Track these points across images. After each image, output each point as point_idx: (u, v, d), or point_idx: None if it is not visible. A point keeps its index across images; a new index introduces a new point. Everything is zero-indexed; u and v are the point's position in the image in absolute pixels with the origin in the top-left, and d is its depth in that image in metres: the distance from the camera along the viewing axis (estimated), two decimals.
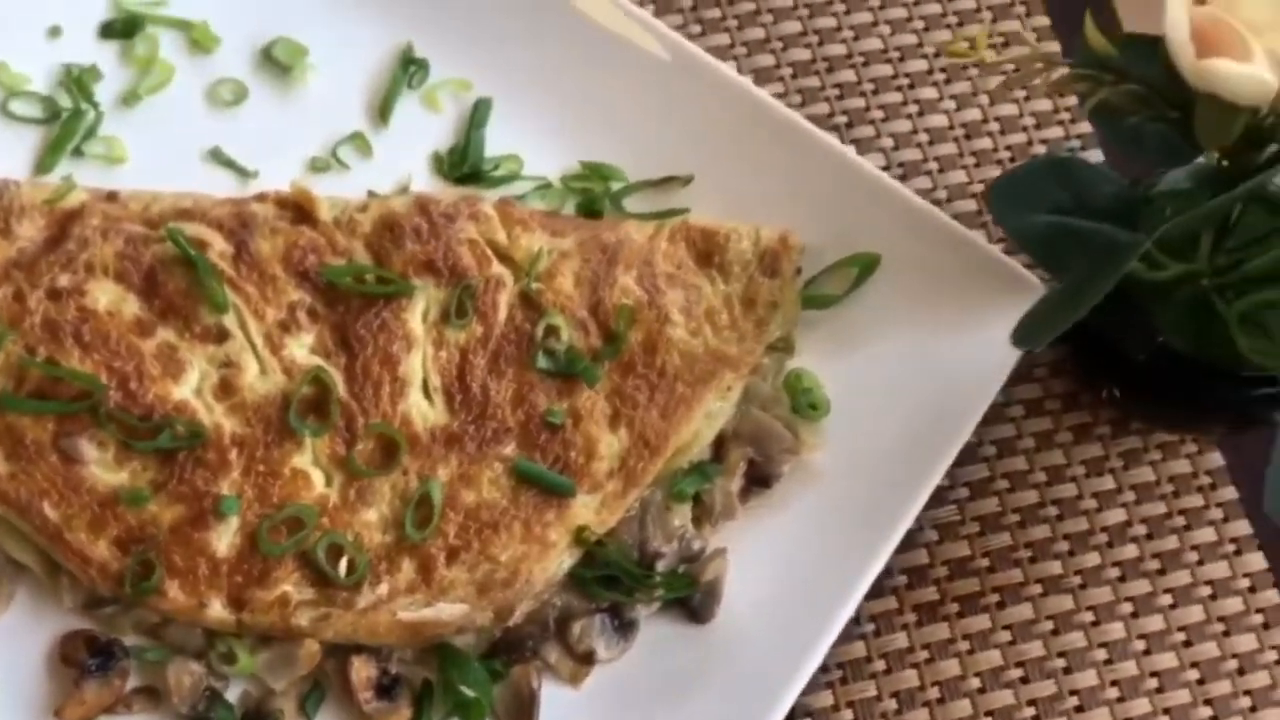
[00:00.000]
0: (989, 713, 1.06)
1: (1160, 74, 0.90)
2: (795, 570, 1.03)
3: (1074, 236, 1.00)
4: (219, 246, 1.06)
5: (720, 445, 1.07)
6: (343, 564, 0.98)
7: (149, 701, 0.98)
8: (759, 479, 1.06)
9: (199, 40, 1.18)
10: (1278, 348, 0.93)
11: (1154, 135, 0.99)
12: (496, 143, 1.17)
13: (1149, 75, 0.91)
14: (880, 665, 1.07)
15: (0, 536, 1.00)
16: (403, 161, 1.16)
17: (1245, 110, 0.86)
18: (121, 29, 1.17)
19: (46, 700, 0.97)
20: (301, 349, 1.04)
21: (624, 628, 1.02)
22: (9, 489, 0.98)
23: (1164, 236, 0.96)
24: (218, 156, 1.15)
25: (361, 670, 0.97)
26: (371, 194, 1.14)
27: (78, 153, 1.13)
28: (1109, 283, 0.89)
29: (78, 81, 1.15)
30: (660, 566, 1.02)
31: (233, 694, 0.99)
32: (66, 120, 1.14)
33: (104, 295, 1.03)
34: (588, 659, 1.01)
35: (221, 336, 1.03)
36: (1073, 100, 1.27)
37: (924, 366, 1.10)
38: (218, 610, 0.97)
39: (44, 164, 1.13)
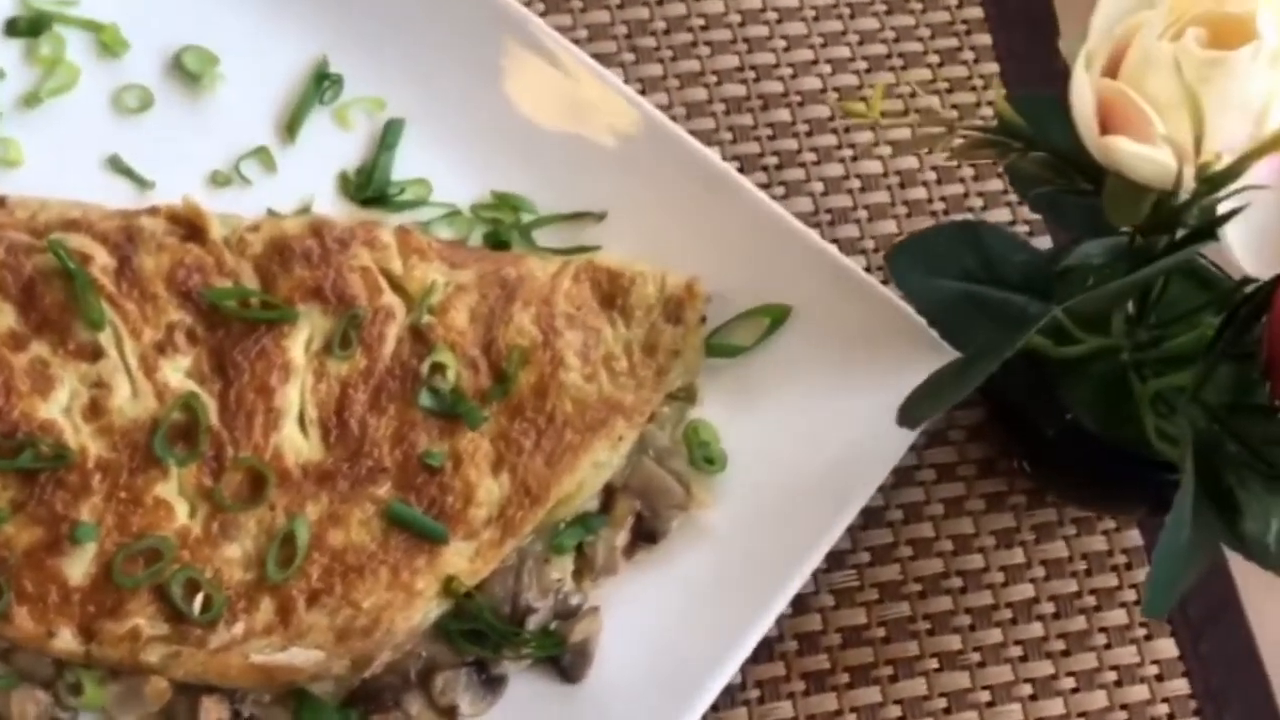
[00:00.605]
0: None
1: (1072, 143, 0.85)
2: (675, 631, 0.99)
3: (981, 306, 0.96)
4: (101, 260, 1.02)
5: (608, 497, 1.03)
6: (198, 600, 0.94)
7: None
8: (645, 534, 1.02)
9: (108, 43, 1.14)
10: (1182, 434, 0.88)
11: (1074, 206, 0.94)
12: (407, 166, 1.13)
13: (1060, 144, 0.87)
14: None
15: None
16: (308, 180, 1.12)
17: (1152, 190, 0.82)
18: (27, 27, 1.13)
19: None
20: (177, 373, 1.00)
21: (491, 683, 0.98)
22: None
23: (1078, 309, 0.91)
24: (116, 165, 1.11)
25: (212, 712, 0.94)
26: (271, 212, 1.10)
27: None
28: (1001, 358, 0.84)
29: None
30: (532, 622, 0.98)
31: None
32: None
33: None
34: (450, 714, 0.97)
35: (96, 354, 1.00)
36: None
37: (829, 424, 1.06)
38: (66, 640, 0.93)
39: None
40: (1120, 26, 0.83)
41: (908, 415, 0.88)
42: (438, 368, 1.02)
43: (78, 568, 0.95)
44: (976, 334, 0.96)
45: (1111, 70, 0.83)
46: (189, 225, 1.05)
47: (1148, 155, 0.78)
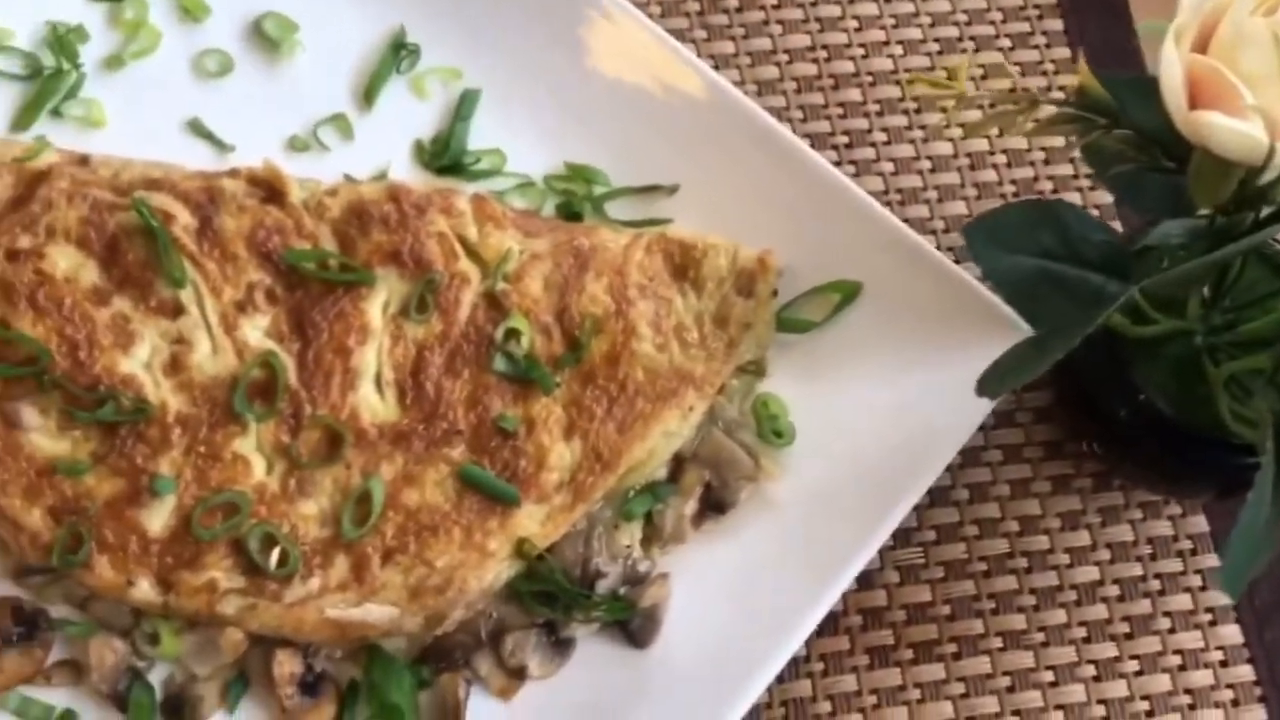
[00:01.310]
0: None
1: (1157, 120, 0.85)
2: (742, 601, 1.00)
3: (1058, 283, 0.96)
4: (184, 220, 1.03)
5: (678, 466, 1.04)
6: (274, 555, 0.96)
7: (70, 675, 0.96)
8: (714, 504, 1.02)
9: (189, 8, 1.15)
10: (1261, 416, 0.88)
11: (1155, 184, 0.94)
12: (481, 136, 1.14)
13: (1146, 121, 0.87)
14: (826, 707, 1.03)
15: None
16: (384, 147, 1.14)
17: (1239, 166, 0.81)
18: None
19: None
20: (256, 331, 1.02)
21: (559, 645, 0.99)
22: None
23: (1154, 290, 0.91)
24: (197, 128, 1.13)
25: (285, 665, 0.95)
26: (348, 178, 1.11)
27: (56, 113, 1.12)
28: (1081, 334, 0.84)
29: (62, 41, 1.13)
30: (601, 587, 0.99)
31: (156, 676, 0.97)
32: (47, 79, 1.12)
33: (63, 260, 1.01)
34: (519, 674, 0.98)
35: (176, 311, 1.01)
36: None
37: (898, 402, 1.06)
38: (145, 590, 0.95)
39: (20, 121, 1.11)
40: (1209, 3, 0.83)
41: (987, 386, 0.88)
42: (512, 333, 1.03)
43: (157, 519, 0.96)
44: (1052, 311, 0.96)
45: (1200, 46, 0.83)
46: (268, 188, 1.06)
47: (1239, 129, 0.77)
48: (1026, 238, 0.96)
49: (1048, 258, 0.96)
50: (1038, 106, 0.86)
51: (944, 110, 1.19)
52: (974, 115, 1.09)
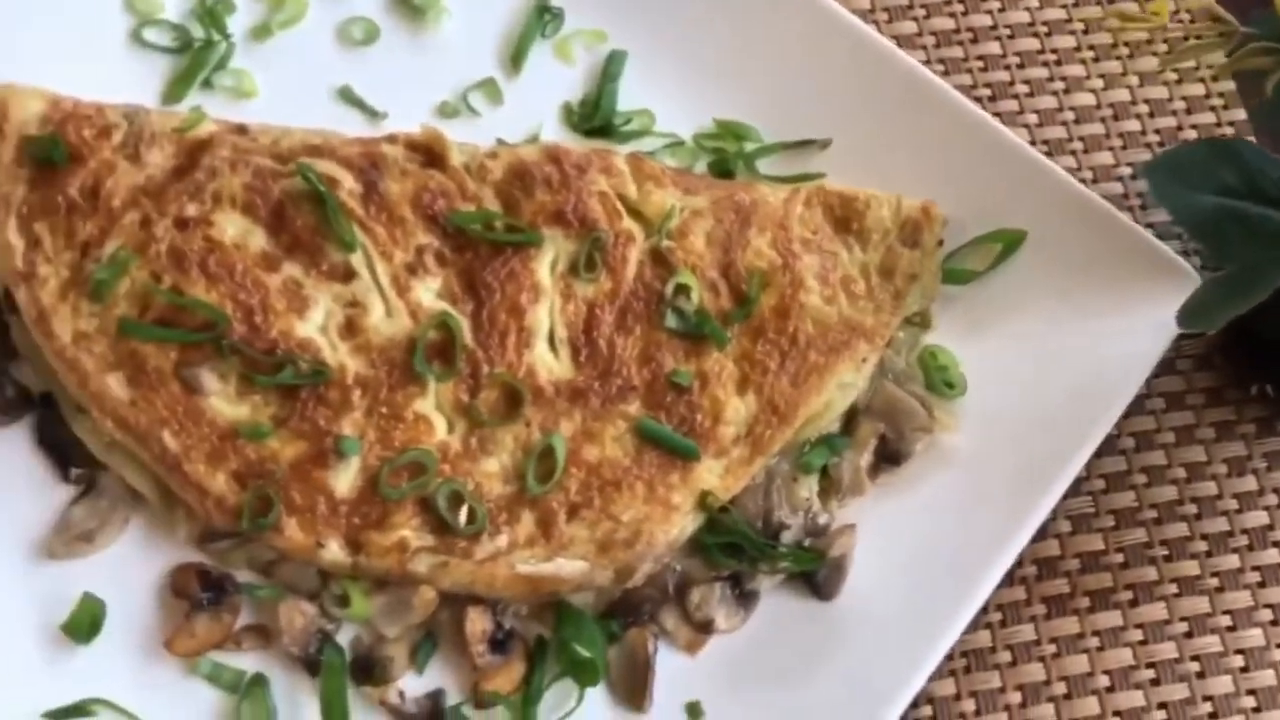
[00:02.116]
0: (1117, 713, 1.01)
1: None
2: (924, 552, 0.99)
3: (1240, 221, 0.96)
4: (348, 185, 1.03)
5: (850, 419, 1.03)
6: (463, 513, 0.96)
7: (258, 639, 0.96)
8: (890, 456, 1.02)
9: None
10: None
11: None
12: (629, 97, 1.14)
13: None
14: (1005, 656, 1.02)
15: (119, 463, 0.98)
16: (533, 111, 1.14)
17: None
18: None
19: (155, 630, 0.96)
20: (428, 293, 1.02)
21: (744, 598, 0.98)
22: (129, 415, 0.96)
23: None
24: (347, 96, 1.13)
25: (477, 622, 0.95)
26: (500, 142, 1.11)
27: (207, 84, 1.12)
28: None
29: (211, 12, 1.13)
30: (784, 539, 0.99)
31: (343, 638, 0.97)
32: (197, 51, 1.12)
33: (231, 227, 1.02)
34: (706, 627, 0.97)
35: (348, 275, 1.01)
36: (1228, 85, 1.21)
37: (1066, 351, 1.05)
38: (334, 551, 0.95)
39: (173, 93, 1.11)
40: None
41: (1195, 317, 0.88)
42: (681, 289, 1.02)
43: (344, 480, 0.96)
44: (1235, 248, 0.95)
45: None
46: (427, 152, 1.06)
47: None
48: (1207, 176, 0.96)
49: (1228, 195, 0.96)
50: (1235, 37, 0.86)
51: (1084, 65, 1.18)
52: (1150, 63, 1.06)
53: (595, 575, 0.95)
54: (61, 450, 1.00)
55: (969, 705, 1.01)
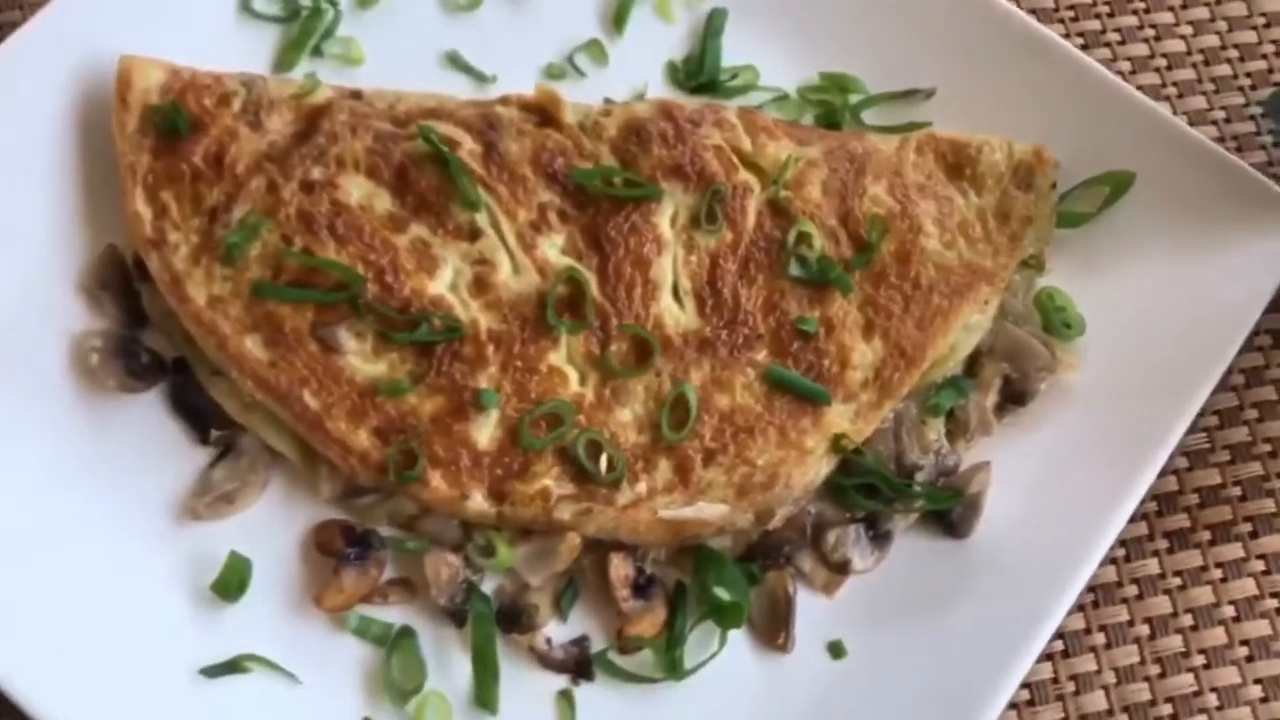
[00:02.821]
0: (1244, 641, 1.02)
1: None
2: (1053, 490, 1.01)
3: None
4: (468, 146, 1.04)
5: (973, 361, 1.05)
6: (603, 461, 0.97)
7: (404, 593, 0.97)
8: (1014, 396, 1.03)
9: None
10: None
11: None
12: (731, 53, 1.15)
13: None
14: (1132, 590, 1.04)
15: (258, 424, 0.99)
16: (637, 70, 1.15)
17: None
18: None
19: (301, 587, 0.97)
20: (553, 249, 1.03)
21: (879, 539, 0.99)
22: (269, 376, 0.97)
23: None
24: (455, 60, 1.14)
25: (620, 567, 0.96)
26: (608, 101, 1.12)
27: (316, 52, 1.13)
28: None
29: None
30: (919, 478, 1.00)
31: (485, 589, 0.98)
32: (306, 19, 1.13)
33: (356, 189, 1.03)
34: (842, 568, 0.99)
35: (474, 234, 1.02)
36: None
37: (1179, 290, 1.07)
38: (479, 502, 0.96)
39: (284, 62, 1.12)
40: None
41: None
42: (803, 238, 1.04)
43: (484, 432, 0.97)
44: None
45: None
46: (541, 112, 1.07)
47: None
48: None
49: None
50: None
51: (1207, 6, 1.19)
52: None
53: (736, 518, 0.97)
54: (197, 414, 1.01)
55: (1099, 639, 1.02)
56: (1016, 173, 1.08)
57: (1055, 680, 1.01)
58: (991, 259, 1.05)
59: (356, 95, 1.08)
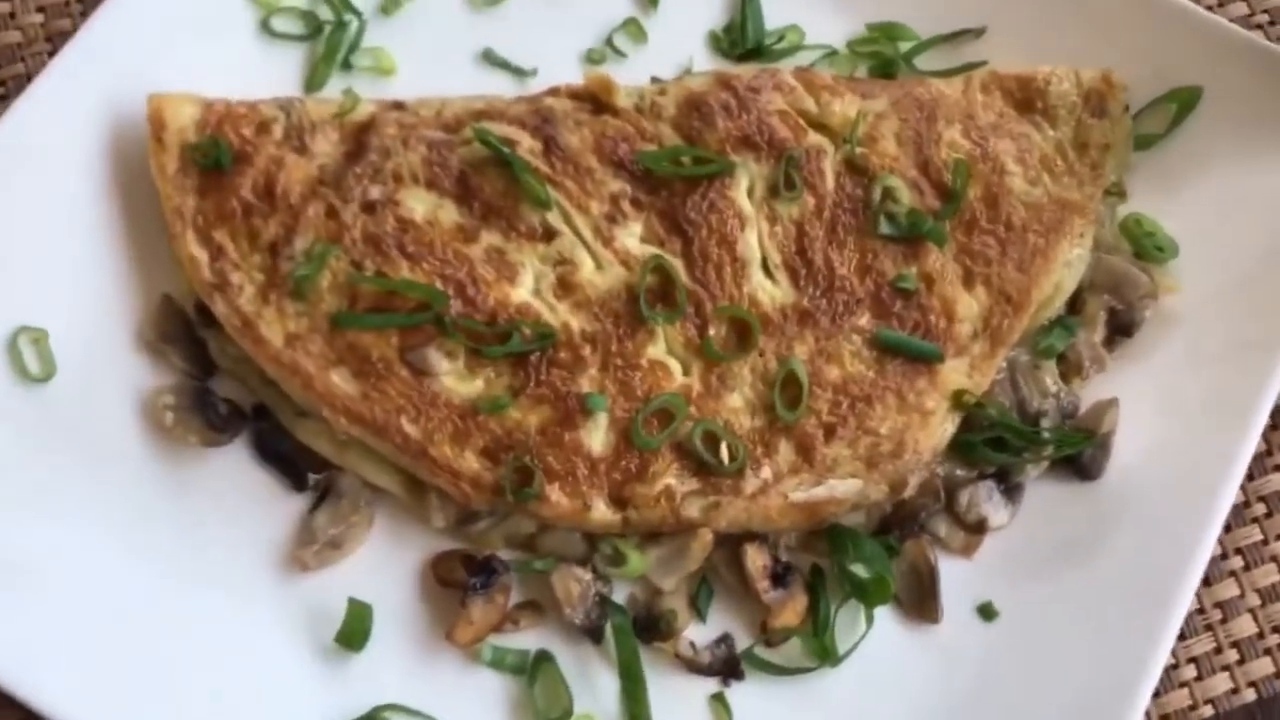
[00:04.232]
0: None
1: None
2: (1178, 414, 0.98)
3: None
4: (527, 144, 1.00)
5: (1074, 299, 1.02)
6: (722, 451, 0.93)
7: (534, 615, 0.93)
8: (1121, 327, 1.01)
9: None
10: None
11: None
12: (773, 15, 1.12)
13: None
14: (1260, 509, 1.02)
15: (355, 462, 0.94)
16: (679, 44, 1.11)
17: None
18: None
19: (427, 625, 0.93)
20: (632, 239, 0.99)
21: (1011, 492, 0.97)
22: (363, 410, 0.92)
23: None
24: (490, 58, 1.09)
25: (756, 558, 0.93)
26: (655, 79, 1.08)
27: (346, 66, 1.08)
28: None
29: None
30: (1045, 424, 0.97)
31: (617, 600, 0.94)
32: (330, 34, 1.08)
33: (419, 204, 0.98)
34: (979, 527, 0.96)
35: (549, 234, 0.98)
36: None
37: (1260, 199, 1.04)
38: (602, 510, 0.92)
39: (315, 80, 1.07)
40: None
41: None
42: (888, 193, 1.00)
43: (597, 438, 0.93)
44: None
45: None
46: (593, 100, 1.03)
47: None
48: None
49: None
50: None
51: None
52: None
53: (870, 491, 0.93)
54: (287, 460, 0.96)
55: (1237, 562, 1.01)
56: (1088, 100, 1.05)
57: (1201, 610, 0.99)
58: (1078, 190, 1.02)
59: (399, 106, 1.03)
